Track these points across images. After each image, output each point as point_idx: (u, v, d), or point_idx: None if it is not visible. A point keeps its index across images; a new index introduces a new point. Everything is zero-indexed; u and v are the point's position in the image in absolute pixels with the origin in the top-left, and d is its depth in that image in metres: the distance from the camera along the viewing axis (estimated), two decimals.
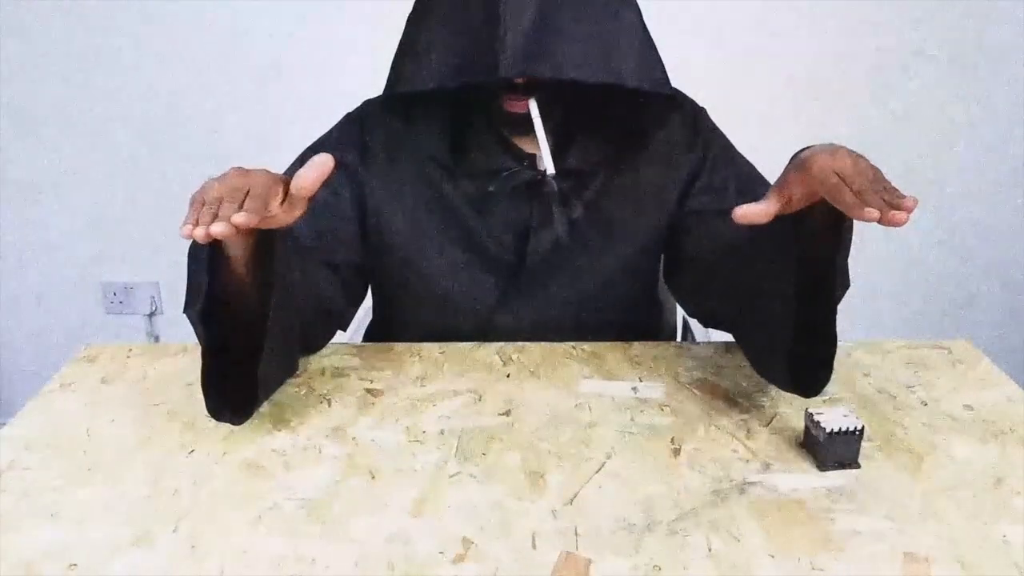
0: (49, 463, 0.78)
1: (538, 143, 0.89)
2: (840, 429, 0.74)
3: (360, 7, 1.76)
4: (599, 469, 0.76)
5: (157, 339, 2.08)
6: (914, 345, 1.00)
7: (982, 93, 1.84)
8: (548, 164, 0.88)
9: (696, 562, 0.64)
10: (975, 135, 1.88)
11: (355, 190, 1.01)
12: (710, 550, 0.65)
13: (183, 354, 0.98)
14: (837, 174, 0.69)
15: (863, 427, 0.75)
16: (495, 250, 1.00)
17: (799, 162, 0.73)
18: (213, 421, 0.84)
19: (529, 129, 0.89)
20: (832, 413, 0.76)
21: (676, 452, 0.79)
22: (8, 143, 1.92)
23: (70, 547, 0.67)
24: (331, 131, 1.05)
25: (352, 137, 1.02)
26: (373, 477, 0.75)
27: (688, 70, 1.07)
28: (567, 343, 1.00)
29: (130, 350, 0.99)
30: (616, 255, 1.01)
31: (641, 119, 0.97)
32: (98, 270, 2.03)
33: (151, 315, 2.07)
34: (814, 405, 0.80)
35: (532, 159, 0.97)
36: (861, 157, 0.72)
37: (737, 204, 0.85)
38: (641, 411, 0.86)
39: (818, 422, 0.75)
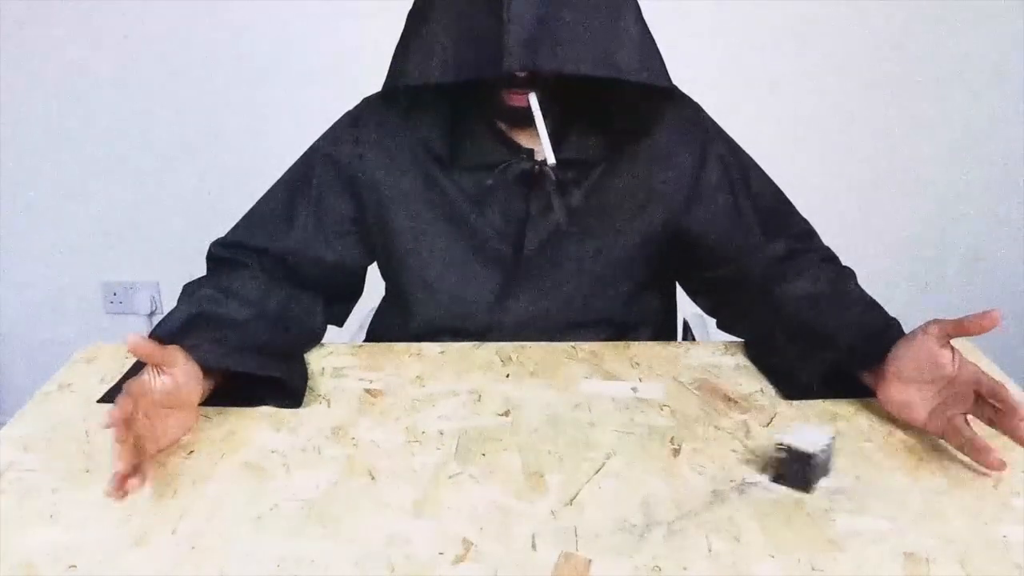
0: (48, 464, 0.78)
1: (537, 136, 0.90)
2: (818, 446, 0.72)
3: (360, 6, 1.76)
4: (599, 469, 0.76)
5: None
6: None
7: (981, 93, 1.84)
8: (549, 155, 0.89)
9: (696, 562, 0.64)
10: (975, 134, 1.87)
11: (352, 188, 1.03)
12: (710, 550, 0.65)
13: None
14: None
15: (818, 454, 0.72)
16: (494, 243, 1.00)
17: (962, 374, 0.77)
18: (212, 421, 0.84)
19: (527, 123, 0.90)
20: (799, 433, 0.73)
21: (676, 452, 0.79)
22: (8, 143, 1.92)
23: (70, 548, 0.66)
24: (331, 129, 1.06)
25: (351, 135, 1.03)
26: (373, 478, 0.75)
27: (685, 70, 1.07)
28: (567, 343, 1.00)
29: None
30: (614, 246, 1.02)
31: (639, 113, 0.98)
32: (98, 270, 2.03)
33: (151, 315, 2.07)
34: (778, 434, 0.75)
35: (530, 153, 0.98)
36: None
37: (752, 218, 1.01)
38: (641, 411, 0.86)
39: (795, 446, 0.72)
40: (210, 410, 0.86)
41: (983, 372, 0.76)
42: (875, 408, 0.86)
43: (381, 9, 1.68)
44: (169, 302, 2.05)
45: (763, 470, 0.75)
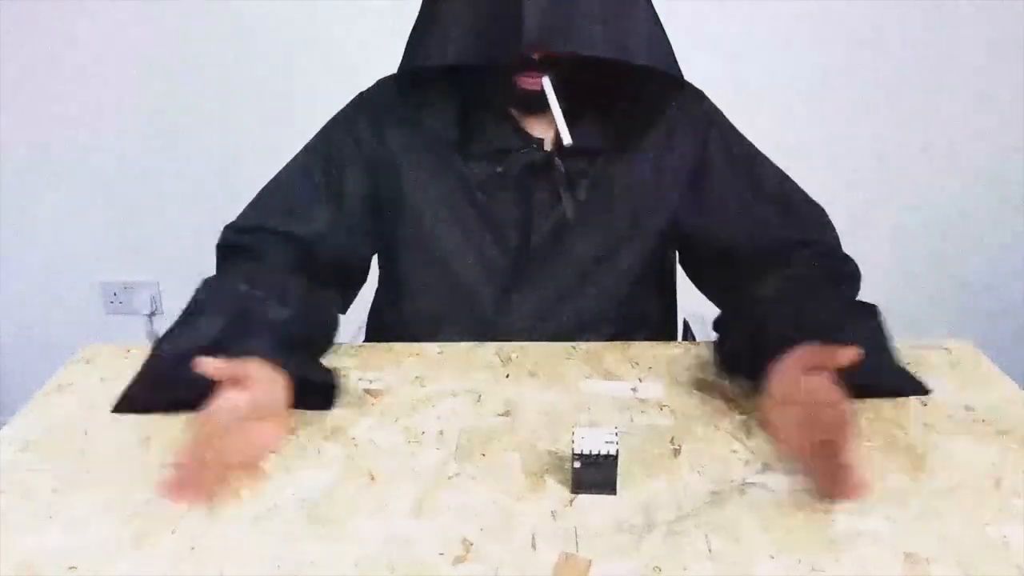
0: (48, 464, 0.78)
1: (548, 125, 0.92)
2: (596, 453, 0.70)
3: (358, 10, 1.76)
4: None
5: None
6: (914, 345, 0.99)
7: (980, 92, 1.84)
8: (565, 135, 0.90)
9: (696, 562, 0.64)
10: (974, 134, 1.87)
11: (370, 167, 1.02)
12: (710, 550, 0.65)
13: None
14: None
15: (617, 452, 0.70)
16: (501, 233, 1.01)
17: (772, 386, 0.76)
18: None
19: (540, 107, 0.91)
20: (588, 439, 0.71)
21: (676, 452, 0.79)
22: (8, 142, 1.92)
23: (70, 549, 0.66)
24: (347, 109, 1.05)
25: (368, 114, 1.02)
26: (373, 478, 0.75)
27: (689, 66, 1.07)
28: (567, 343, 1.00)
29: (128, 351, 0.98)
30: (619, 237, 1.02)
31: (647, 101, 0.98)
32: (98, 270, 2.03)
33: (151, 315, 2.07)
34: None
35: (540, 143, 0.98)
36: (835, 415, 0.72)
37: (753, 208, 1.01)
38: (641, 411, 0.86)
39: (596, 451, 0.70)
40: None
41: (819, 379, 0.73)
42: (875, 408, 0.86)
43: (375, 12, 1.69)
44: (169, 302, 2.05)
45: (571, 486, 0.72)
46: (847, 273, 0.98)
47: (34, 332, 2.08)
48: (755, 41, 1.80)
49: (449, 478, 0.75)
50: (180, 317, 0.86)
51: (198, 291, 0.89)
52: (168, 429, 0.83)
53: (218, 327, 0.82)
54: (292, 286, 0.92)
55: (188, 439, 0.71)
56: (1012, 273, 2.00)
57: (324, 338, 0.95)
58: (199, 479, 0.69)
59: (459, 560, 0.65)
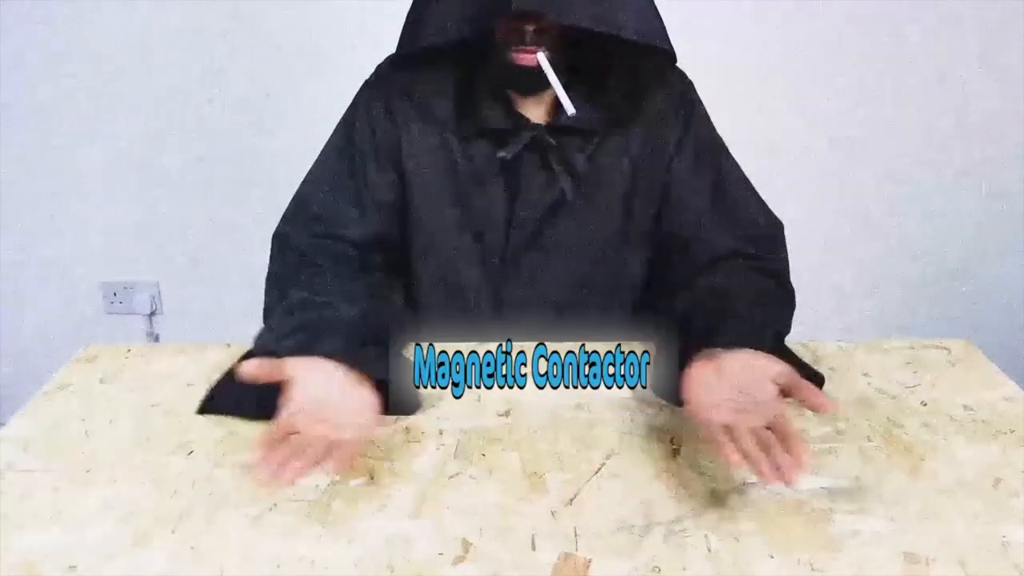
0: (48, 464, 0.78)
1: (547, 102, 0.95)
2: None
3: (350, 17, 1.76)
4: (599, 469, 0.76)
5: (157, 339, 2.08)
6: (914, 345, 1.00)
7: (978, 90, 1.84)
8: (567, 105, 0.90)
9: (696, 562, 0.64)
10: (972, 132, 1.87)
11: (393, 156, 1.02)
12: (710, 550, 0.65)
13: (182, 354, 0.98)
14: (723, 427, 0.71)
15: None
16: (495, 213, 1.01)
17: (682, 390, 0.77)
18: (212, 421, 0.84)
19: (537, 86, 0.92)
20: None
21: (676, 452, 0.79)
22: (8, 142, 1.92)
23: (70, 548, 0.66)
24: (357, 105, 1.04)
25: (380, 100, 1.02)
26: (372, 477, 0.75)
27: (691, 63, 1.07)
28: (567, 343, 1.00)
29: (129, 350, 0.99)
30: (612, 217, 1.02)
31: (639, 78, 0.99)
32: (98, 270, 2.03)
33: (151, 315, 2.07)
34: None
35: (537, 128, 0.98)
36: (748, 405, 0.72)
37: (709, 208, 1.00)
38: (641, 411, 0.86)
39: None
40: None
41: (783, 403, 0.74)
42: (875, 407, 0.86)
43: (375, 10, 1.68)
44: (169, 302, 2.04)
45: None
46: (773, 293, 0.96)
47: (34, 332, 2.08)
48: (760, 42, 1.80)
49: (449, 478, 0.75)
50: (260, 331, 0.89)
51: (268, 307, 0.94)
52: (168, 430, 0.83)
53: (289, 334, 0.84)
54: (356, 286, 0.92)
55: (266, 439, 0.71)
56: (1012, 273, 2.00)
57: (399, 330, 0.93)
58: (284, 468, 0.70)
59: (459, 560, 0.65)
